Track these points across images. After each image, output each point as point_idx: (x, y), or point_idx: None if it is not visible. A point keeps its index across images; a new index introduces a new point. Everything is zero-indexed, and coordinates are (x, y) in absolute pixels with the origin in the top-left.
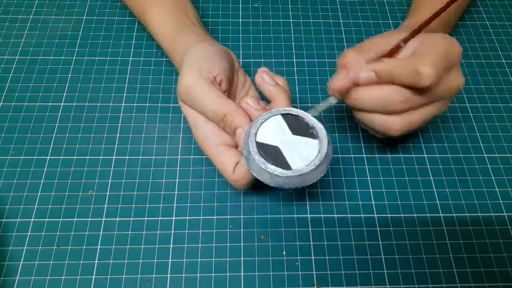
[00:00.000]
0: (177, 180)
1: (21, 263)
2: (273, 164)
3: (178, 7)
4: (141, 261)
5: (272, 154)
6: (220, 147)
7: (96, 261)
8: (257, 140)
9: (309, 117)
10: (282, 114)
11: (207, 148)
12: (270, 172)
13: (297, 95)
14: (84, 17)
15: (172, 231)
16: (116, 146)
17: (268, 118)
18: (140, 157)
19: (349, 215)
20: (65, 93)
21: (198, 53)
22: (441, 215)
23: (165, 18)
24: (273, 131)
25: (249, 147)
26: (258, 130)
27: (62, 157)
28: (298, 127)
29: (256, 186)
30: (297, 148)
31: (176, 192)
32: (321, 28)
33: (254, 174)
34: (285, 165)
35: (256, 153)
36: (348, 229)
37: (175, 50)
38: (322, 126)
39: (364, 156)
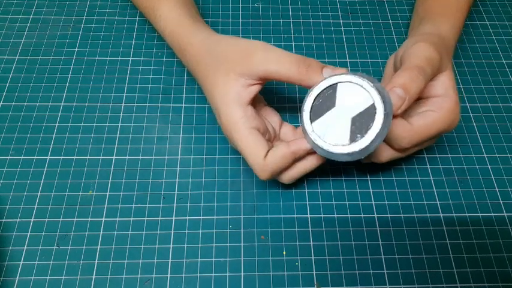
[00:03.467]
0: (177, 180)
1: (21, 263)
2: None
3: (187, 2)
4: (141, 261)
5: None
6: (254, 130)
7: (96, 261)
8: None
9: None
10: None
11: (238, 130)
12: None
13: (297, 95)
14: (84, 17)
15: (172, 231)
16: (116, 146)
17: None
18: (140, 157)
19: (349, 215)
20: (65, 93)
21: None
22: (441, 215)
23: (176, 11)
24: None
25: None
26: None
27: (62, 157)
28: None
29: (257, 186)
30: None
31: (176, 192)
32: (321, 28)
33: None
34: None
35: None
36: (348, 229)
37: (189, 44)
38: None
39: None
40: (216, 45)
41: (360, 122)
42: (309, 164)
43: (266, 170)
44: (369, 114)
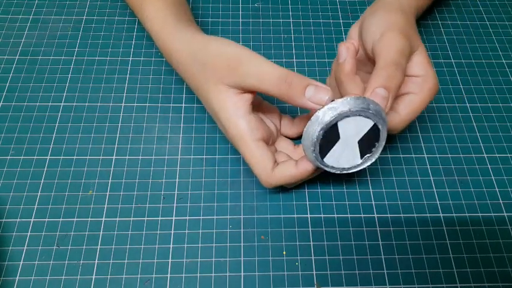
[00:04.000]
0: (177, 180)
1: (21, 263)
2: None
3: (176, 3)
4: (141, 261)
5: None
6: (260, 142)
7: (96, 261)
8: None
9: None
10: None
11: (245, 143)
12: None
13: None
14: (84, 17)
15: (172, 231)
16: (116, 146)
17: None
18: (140, 157)
19: (349, 215)
20: (65, 93)
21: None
22: (441, 215)
23: (162, 12)
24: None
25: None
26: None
27: (62, 157)
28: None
29: (257, 186)
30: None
31: (176, 192)
32: (321, 28)
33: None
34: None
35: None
36: (348, 229)
37: (174, 50)
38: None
39: None
40: (200, 50)
41: (366, 142)
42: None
43: (272, 183)
44: (372, 132)
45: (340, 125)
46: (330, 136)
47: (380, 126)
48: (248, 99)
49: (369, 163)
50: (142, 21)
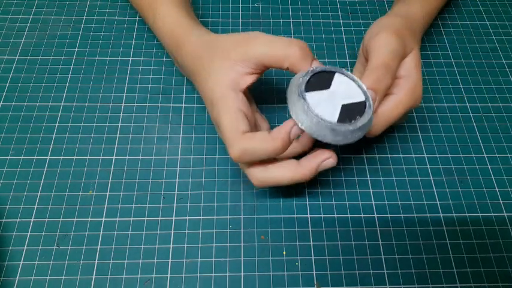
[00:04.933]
0: (177, 180)
1: (21, 263)
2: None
3: (184, 2)
4: (141, 261)
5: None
6: (241, 111)
7: (96, 261)
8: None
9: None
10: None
11: (225, 104)
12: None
13: None
14: (84, 17)
15: (172, 231)
16: (116, 146)
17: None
18: (140, 157)
19: (349, 215)
20: (65, 93)
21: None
22: (441, 215)
23: (175, 10)
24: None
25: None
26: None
27: (62, 157)
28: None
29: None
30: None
31: (176, 192)
32: (321, 28)
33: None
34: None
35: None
36: (348, 229)
37: (188, 41)
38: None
39: (364, 156)
40: (214, 40)
41: (349, 111)
42: (282, 171)
43: (239, 146)
44: (358, 108)
45: (336, 77)
46: (322, 78)
47: (367, 105)
48: (247, 81)
49: (343, 129)
50: (152, 20)
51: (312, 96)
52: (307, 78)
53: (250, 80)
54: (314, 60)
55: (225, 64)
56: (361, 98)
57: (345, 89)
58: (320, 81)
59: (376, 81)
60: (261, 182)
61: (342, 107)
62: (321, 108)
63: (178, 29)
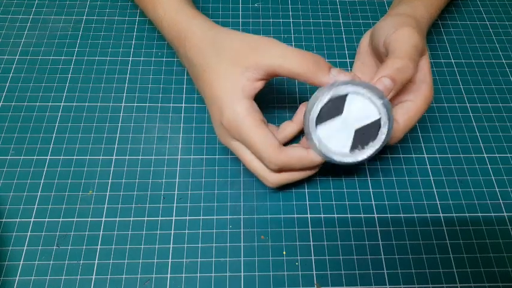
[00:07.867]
0: (177, 180)
1: (21, 263)
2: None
3: None
4: (141, 261)
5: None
6: (263, 123)
7: (96, 261)
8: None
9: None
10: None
11: (248, 122)
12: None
13: (297, 95)
14: (84, 17)
15: (172, 231)
16: (116, 146)
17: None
18: (140, 157)
19: (349, 215)
20: (65, 93)
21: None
22: (441, 215)
23: (176, 0)
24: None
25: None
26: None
27: (62, 157)
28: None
29: (257, 186)
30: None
31: (176, 192)
32: (321, 28)
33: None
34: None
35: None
36: (348, 229)
37: (191, 32)
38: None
39: None
40: (221, 37)
41: (363, 135)
42: (303, 174)
43: (278, 162)
44: (372, 129)
45: (349, 98)
46: (334, 105)
47: (382, 123)
48: (257, 88)
49: (354, 160)
50: (152, 10)
51: (324, 129)
52: (319, 109)
53: (260, 86)
54: (332, 69)
55: (235, 70)
56: (376, 116)
57: (359, 109)
58: (332, 107)
59: (397, 71)
60: (277, 181)
61: (355, 133)
62: (333, 140)
63: (180, 17)
